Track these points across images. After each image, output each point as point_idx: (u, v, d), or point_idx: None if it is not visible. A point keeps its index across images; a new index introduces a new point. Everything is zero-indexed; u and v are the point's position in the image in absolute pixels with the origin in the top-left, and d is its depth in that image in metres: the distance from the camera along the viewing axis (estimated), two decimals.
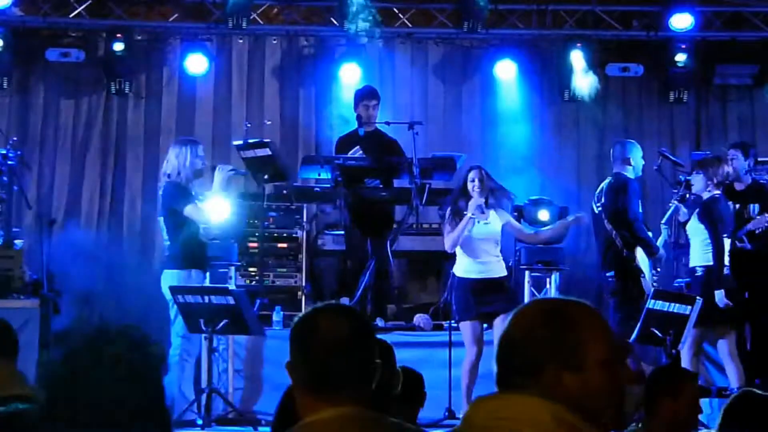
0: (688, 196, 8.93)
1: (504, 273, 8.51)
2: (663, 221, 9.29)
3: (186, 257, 8.43)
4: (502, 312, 8.10)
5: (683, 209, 8.89)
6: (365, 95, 9.90)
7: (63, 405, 1.96)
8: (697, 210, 8.52)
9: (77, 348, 2.00)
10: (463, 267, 8.51)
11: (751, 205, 9.10)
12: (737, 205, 9.09)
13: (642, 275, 8.73)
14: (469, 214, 8.35)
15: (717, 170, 8.50)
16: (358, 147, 9.69)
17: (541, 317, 2.28)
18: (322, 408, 2.60)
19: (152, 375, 2.02)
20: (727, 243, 8.55)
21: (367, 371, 2.67)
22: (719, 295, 8.39)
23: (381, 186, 9.69)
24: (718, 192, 8.52)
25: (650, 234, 9.12)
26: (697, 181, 8.56)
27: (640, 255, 8.77)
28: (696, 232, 8.59)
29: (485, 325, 8.51)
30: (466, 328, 8.44)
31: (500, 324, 8.12)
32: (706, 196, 8.54)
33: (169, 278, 8.36)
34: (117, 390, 1.96)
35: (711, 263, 8.51)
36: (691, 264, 8.75)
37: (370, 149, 9.66)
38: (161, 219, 8.68)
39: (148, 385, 2.01)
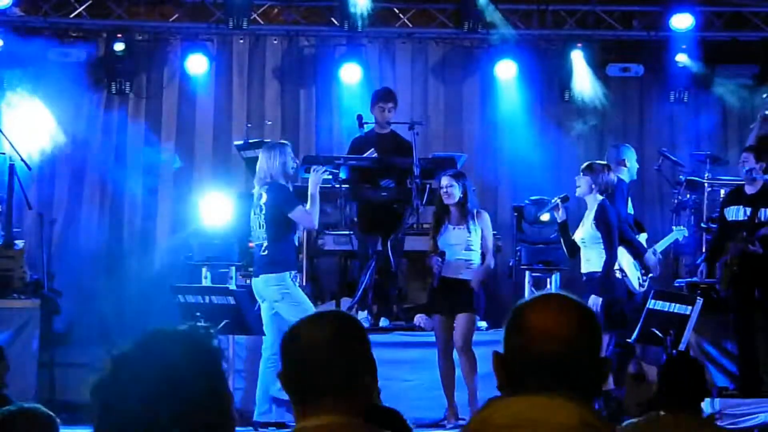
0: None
1: (471, 277, 8.51)
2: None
3: (287, 260, 8.26)
4: (460, 311, 8.32)
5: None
6: (381, 97, 9.87)
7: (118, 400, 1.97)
8: (593, 218, 8.42)
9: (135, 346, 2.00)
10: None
11: (763, 210, 8.96)
12: (749, 209, 8.98)
13: (623, 273, 8.60)
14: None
15: (603, 176, 8.44)
16: (373, 149, 9.67)
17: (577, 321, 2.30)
18: (308, 418, 2.48)
19: (210, 373, 2.03)
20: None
21: (350, 378, 2.51)
22: (594, 300, 8.08)
23: (394, 186, 9.67)
24: (602, 197, 8.45)
25: (645, 235, 9.11)
26: (582, 184, 8.51)
27: (624, 255, 8.64)
28: (593, 239, 8.46)
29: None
30: (433, 320, 8.72)
31: (461, 321, 8.34)
32: (590, 201, 8.46)
33: (272, 281, 8.16)
34: (172, 388, 1.96)
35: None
36: (590, 270, 8.46)
37: (385, 151, 9.64)
38: (257, 219, 8.31)
39: (207, 383, 2.01)
